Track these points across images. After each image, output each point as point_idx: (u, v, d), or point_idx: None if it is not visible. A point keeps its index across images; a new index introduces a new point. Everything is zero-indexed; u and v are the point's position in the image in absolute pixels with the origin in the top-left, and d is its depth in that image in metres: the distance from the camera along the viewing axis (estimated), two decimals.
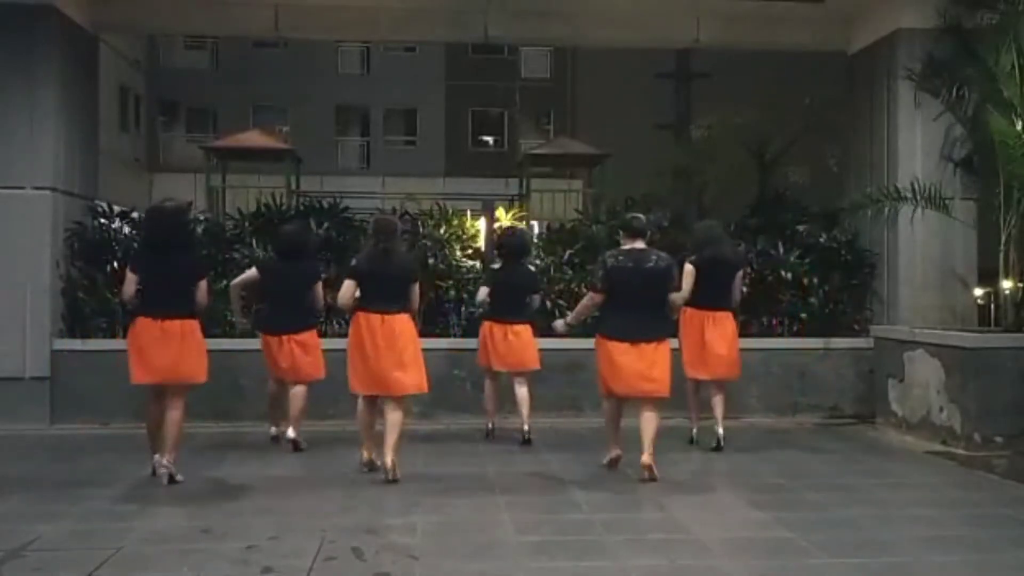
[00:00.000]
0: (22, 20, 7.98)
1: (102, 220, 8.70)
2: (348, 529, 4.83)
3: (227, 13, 9.12)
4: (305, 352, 7.06)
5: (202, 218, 8.94)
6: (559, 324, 6.66)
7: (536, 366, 7.45)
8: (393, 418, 5.94)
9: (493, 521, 5.06)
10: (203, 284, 6.09)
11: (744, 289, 7.49)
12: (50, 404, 8.05)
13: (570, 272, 8.69)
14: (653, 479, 5.93)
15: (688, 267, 6.93)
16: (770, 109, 20.00)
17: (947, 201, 8.19)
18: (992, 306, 12.04)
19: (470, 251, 8.92)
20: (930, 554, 4.54)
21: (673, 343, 6.50)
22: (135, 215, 8.93)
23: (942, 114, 8.41)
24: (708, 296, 7.01)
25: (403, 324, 6.01)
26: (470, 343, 7.97)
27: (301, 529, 4.85)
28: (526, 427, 7.31)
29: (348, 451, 6.96)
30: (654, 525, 5.00)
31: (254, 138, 12.30)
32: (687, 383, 7.21)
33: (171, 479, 5.82)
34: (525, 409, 7.35)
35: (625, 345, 6.02)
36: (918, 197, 8.15)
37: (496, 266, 7.68)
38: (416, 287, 6.18)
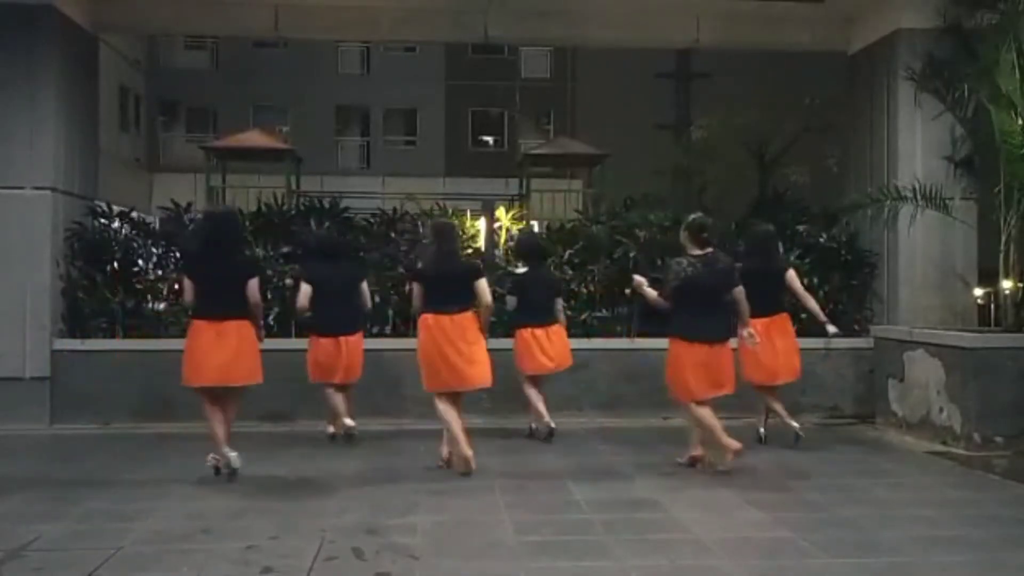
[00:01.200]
0: (22, 20, 7.98)
1: (102, 220, 8.70)
2: (348, 529, 4.83)
3: (227, 13, 9.12)
4: (358, 353, 7.25)
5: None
6: (642, 280, 6.61)
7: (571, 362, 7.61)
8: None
9: (493, 521, 5.06)
10: (254, 283, 6.10)
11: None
12: (50, 404, 8.06)
13: (571, 272, 8.69)
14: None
15: None
16: (770, 109, 20.00)
17: (947, 201, 8.19)
18: (992, 306, 12.04)
19: (470, 251, 8.92)
20: (930, 554, 4.54)
21: None
22: (135, 215, 8.94)
23: (942, 114, 8.41)
24: (761, 303, 6.83)
25: (470, 322, 6.25)
26: None
27: (301, 529, 4.85)
28: (553, 424, 7.45)
29: (348, 451, 6.98)
30: (654, 525, 5.00)
31: (254, 138, 12.29)
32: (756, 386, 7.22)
33: (218, 470, 6.05)
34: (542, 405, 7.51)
35: (707, 347, 6.17)
36: (918, 197, 8.15)
37: (521, 270, 7.70)
38: (483, 282, 6.34)
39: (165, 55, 28.81)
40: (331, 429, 7.34)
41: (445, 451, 6.36)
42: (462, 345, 6.16)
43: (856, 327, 8.95)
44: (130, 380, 8.17)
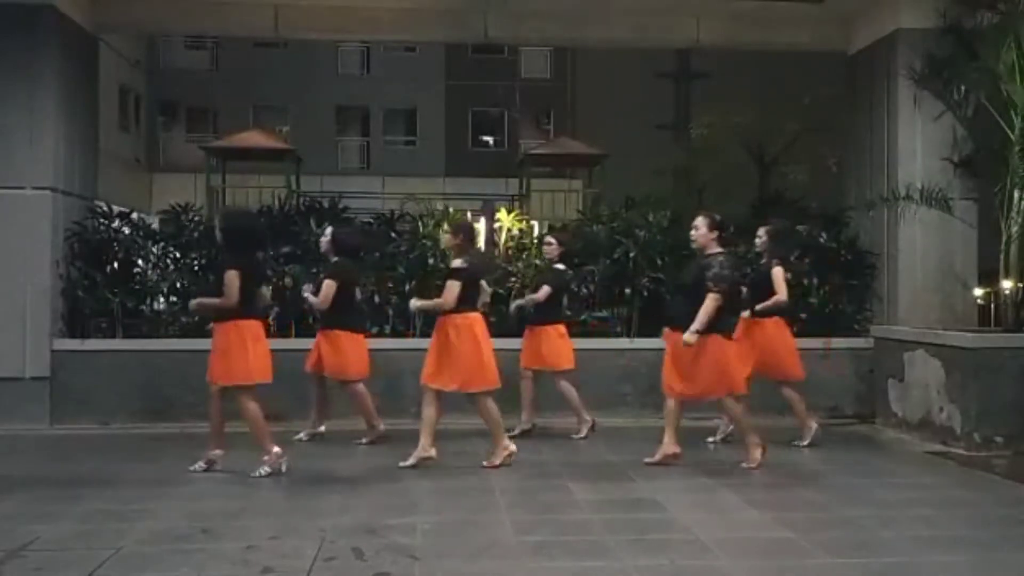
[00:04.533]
0: (22, 20, 7.98)
1: (102, 220, 8.69)
2: (348, 529, 4.83)
3: (227, 13, 9.12)
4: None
5: (199, 220, 8.92)
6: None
7: None
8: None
9: (493, 521, 5.06)
10: None
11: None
12: (50, 404, 8.05)
13: (571, 272, 8.66)
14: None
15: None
16: (770, 109, 20.00)
17: (948, 201, 8.19)
18: (992, 306, 12.04)
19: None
20: (930, 554, 4.54)
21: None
22: (135, 216, 8.94)
23: (942, 114, 8.41)
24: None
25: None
26: None
27: (301, 529, 4.85)
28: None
29: (346, 451, 6.98)
30: (654, 525, 5.00)
31: (254, 138, 12.28)
32: (793, 388, 7.29)
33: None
34: None
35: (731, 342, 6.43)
36: (920, 197, 8.15)
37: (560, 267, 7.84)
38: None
39: (165, 55, 28.77)
40: (382, 426, 7.39)
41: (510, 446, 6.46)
42: (489, 345, 6.29)
43: (856, 327, 8.95)
44: (130, 380, 8.17)
